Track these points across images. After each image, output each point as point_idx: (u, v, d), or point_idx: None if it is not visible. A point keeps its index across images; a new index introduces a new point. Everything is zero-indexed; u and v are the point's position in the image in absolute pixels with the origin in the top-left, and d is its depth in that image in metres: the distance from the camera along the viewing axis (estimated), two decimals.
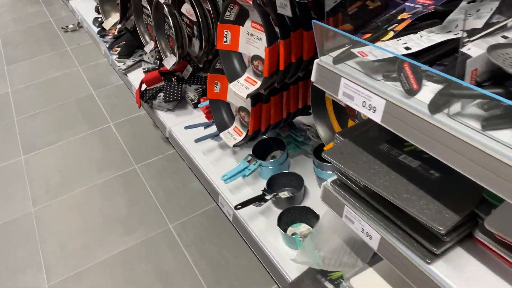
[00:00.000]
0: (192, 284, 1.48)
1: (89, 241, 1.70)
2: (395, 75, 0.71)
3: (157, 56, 2.44)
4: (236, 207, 1.35)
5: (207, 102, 1.87)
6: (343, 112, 1.25)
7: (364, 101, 0.74)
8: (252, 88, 1.21)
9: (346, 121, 1.24)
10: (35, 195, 1.95)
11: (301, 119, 1.74)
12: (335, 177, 1.01)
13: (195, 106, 2.12)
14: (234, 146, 1.49)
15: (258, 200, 1.39)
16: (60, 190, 1.96)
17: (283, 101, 1.36)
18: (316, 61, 0.84)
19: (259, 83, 1.22)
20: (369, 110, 0.74)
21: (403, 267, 0.84)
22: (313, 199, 1.47)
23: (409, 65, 0.67)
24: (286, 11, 1.09)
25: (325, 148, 1.28)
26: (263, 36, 1.18)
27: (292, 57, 1.14)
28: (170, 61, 2.04)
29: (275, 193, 1.40)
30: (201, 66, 2.16)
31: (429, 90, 0.69)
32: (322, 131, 1.32)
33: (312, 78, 0.86)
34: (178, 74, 2.18)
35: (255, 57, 1.26)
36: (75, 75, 2.87)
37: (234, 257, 1.54)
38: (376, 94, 0.72)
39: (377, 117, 0.73)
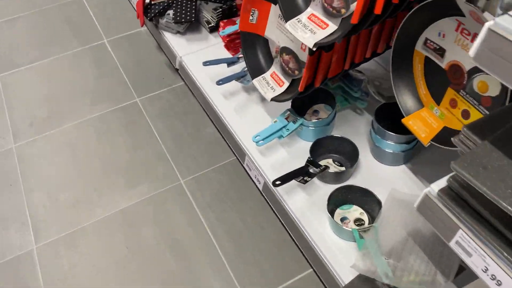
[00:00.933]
0: (210, 260, 1.25)
1: (85, 193, 1.42)
2: None
3: None
4: (274, 183, 1.07)
5: (230, 29, 1.49)
6: (440, 75, 0.90)
7: None
8: (322, 34, 0.85)
9: (442, 89, 0.91)
10: (17, 127, 1.62)
11: None
12: (443, 182, 0.72)
13: (212, 30, 1.71)
14: (273, 100, 1.16)
15: (301, 174, 1.10)
16: (47, 123, 1.63)
17: (349, 48, 1.01)
18: (487, 24, 0.50)
19: (332, 26, 0.85)
20: None
21: None
22: (365, 174, 1.18)
23: None
24: None
25: (407, 123, 0.96)
26: None
27: None
28: None
29: (323, 167, 1.11)
30: None
31: None
32: (402, 97, 0.98)
33: (471, 53, 0.52)
34: None
35: None
36: None
37: (260, 228, 1.30)
38: None
39: None
